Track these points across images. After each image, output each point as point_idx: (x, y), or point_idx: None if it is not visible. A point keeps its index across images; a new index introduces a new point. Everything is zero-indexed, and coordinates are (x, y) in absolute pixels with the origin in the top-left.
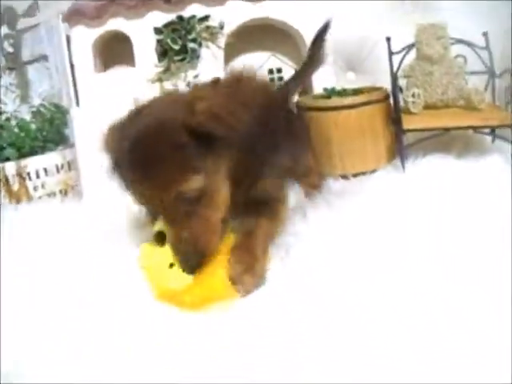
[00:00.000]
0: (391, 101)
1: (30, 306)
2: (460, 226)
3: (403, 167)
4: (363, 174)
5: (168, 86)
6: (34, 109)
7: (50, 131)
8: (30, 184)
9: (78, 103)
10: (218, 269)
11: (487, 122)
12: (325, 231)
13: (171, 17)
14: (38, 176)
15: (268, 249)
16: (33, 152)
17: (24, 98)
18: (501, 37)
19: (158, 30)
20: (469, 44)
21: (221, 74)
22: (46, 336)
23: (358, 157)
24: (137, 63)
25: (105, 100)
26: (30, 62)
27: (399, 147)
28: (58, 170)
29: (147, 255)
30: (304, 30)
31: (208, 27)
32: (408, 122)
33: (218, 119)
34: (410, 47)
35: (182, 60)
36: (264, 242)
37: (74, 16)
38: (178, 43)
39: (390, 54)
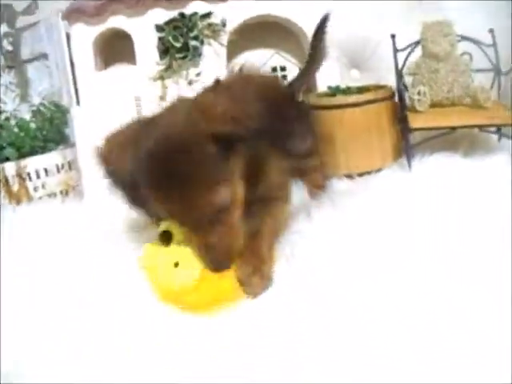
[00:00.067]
0: (396, 99)
1: (30, 306)
2: (466, 225)
3: (409, 166)
4: (368, 173)
5: (169, 83)
6: (34, 108)
7: (50, 130)
8: (30, 184)
9: (78, 102)
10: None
11: (493, 120)
12: (329, 230)
13: (172, 14)
14: (38, 176)
15: (274, 249)
16: (33, 152)
17: (24, 97)
18: (507, 34)
19: (159, 28)
20: (475, 41)
21: (223, 71)
22: (45, 336)
23: (364, 156)
24: (138, 61)
25: (105, 98)
26: (30, 61)
27: (406, 146)
28: (58, 170)
29: (151, 255)
30: (307, 27)
31: (210, 24)
32: (414, 121)
33: (236, 122)
34: (415, 45)
35: (184, 58)
36: (270, 242)
37: (73, 14)
38: (179, 41)
39: (395, 51)
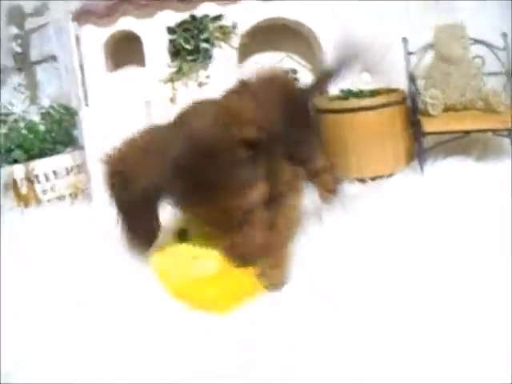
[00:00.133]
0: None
1: (29, 306)
2: (479, 228)
3: (422, 170)
4: (380, 177)
5: (179, 86)
6: (43, 110)
7: (58, 133)
8: (38, 187)
9: (87, 103)
10: None
11: (506, 124)
12: (340, 234)
13: (182, 16)
14: (47, 179)
15: (291, 242)
16: (42, 154)
17: (33, 99)
18: None
19: (171, 30)
20: (487, 45)
21: (234, 74)
22: (45, 336)
23: (376, 159)
24: (147, 63)
25: (115, 101)
26: (39, 63)
27: (418, 150)
28: (67, 173)
29: (167, 251)
30: (318, 29)
31: (221, 27)
32: (428, 125)
33: (262, 127)
34: (426, 48)
35: (195, 60)
36: (286, 236)
37: (83, 15)
38: (190, 43)
39: (407, 54)
